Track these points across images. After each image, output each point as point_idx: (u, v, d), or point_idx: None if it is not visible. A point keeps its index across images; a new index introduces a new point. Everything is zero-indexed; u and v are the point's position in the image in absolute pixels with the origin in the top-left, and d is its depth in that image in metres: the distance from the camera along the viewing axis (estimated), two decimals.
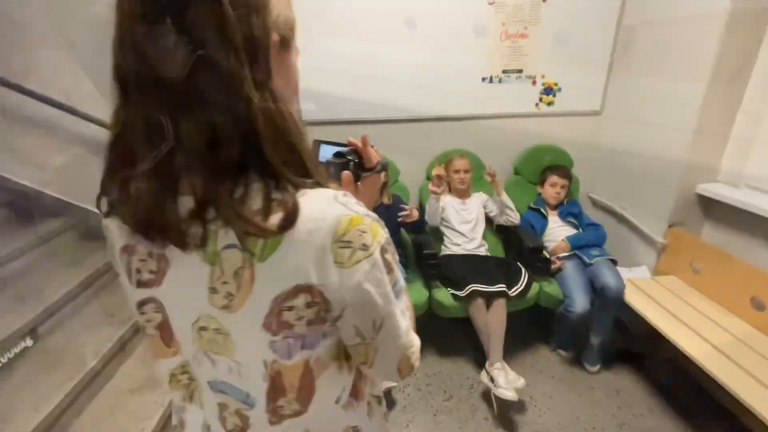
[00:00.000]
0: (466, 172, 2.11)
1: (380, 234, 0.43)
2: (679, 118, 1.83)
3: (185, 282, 0.44)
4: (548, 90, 2.21)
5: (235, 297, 0.41)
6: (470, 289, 1.81)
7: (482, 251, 2.10)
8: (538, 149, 2.30)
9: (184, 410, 0.54)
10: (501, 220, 2.12)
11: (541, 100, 2.23)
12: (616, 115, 2.24)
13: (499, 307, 1.82)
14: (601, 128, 2.32)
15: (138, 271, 0.45)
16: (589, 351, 1.93)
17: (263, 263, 0.39)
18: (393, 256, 0.45)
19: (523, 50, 2.13)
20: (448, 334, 2.15)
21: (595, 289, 1.85)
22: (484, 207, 2.16)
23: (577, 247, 2.01)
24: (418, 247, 2.03)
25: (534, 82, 2.20)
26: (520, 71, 2.17)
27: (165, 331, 0.49)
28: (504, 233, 2.22)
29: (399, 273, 0.48)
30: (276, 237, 0.38)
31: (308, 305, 0.41)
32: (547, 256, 1.97)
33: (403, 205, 1.94)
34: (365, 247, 0.41)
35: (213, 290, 0.42)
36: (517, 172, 2.35)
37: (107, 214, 0.43)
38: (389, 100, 2.19)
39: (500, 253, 2.20)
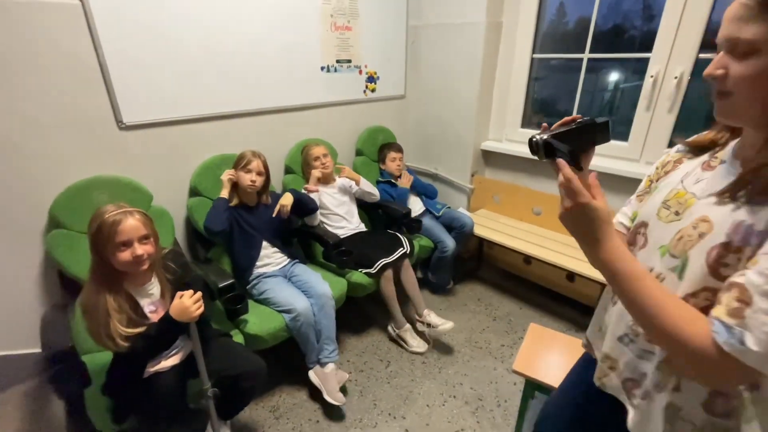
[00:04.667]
0: (325, 156, 2.18)
1: None
2: (465, 101, 2.54)
3: None
4: (371, 78, 2.53)
5: None
6: (380, 264, 2.00)
7: (362, 229, 2.29)
8: (372, 131, 2.61)
9: None
10: (367, 199, 2.35)
11: (367, 87, 2.53)
12: (415, 99, 2.83)
13: (408, 268, 2.10)
14: (406, 109, 2.86)
15: None
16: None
17: None
18: None
19: (350, 42, 2.33)
20: (354, 315, 2.26)
21: (454, 229, 2.41)
22: (351, 188, 2.32)
23: (428, 197, 2.54)
24: (320, 241, 2.00)
25: (360, 72, 2.46)
26: (350, 61, 2.37)
27: None
28: (366, 208, 2.46)
29: None
30: None
31: None
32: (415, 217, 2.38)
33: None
34: None
35: None
36: (360, 153, 2.60)
37: None
38: (231, 94, 1.94)
39: (368, 227, 2.44)
